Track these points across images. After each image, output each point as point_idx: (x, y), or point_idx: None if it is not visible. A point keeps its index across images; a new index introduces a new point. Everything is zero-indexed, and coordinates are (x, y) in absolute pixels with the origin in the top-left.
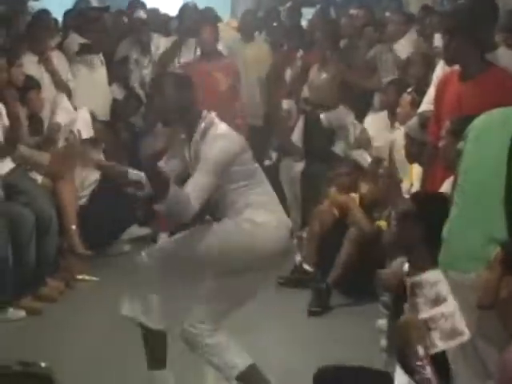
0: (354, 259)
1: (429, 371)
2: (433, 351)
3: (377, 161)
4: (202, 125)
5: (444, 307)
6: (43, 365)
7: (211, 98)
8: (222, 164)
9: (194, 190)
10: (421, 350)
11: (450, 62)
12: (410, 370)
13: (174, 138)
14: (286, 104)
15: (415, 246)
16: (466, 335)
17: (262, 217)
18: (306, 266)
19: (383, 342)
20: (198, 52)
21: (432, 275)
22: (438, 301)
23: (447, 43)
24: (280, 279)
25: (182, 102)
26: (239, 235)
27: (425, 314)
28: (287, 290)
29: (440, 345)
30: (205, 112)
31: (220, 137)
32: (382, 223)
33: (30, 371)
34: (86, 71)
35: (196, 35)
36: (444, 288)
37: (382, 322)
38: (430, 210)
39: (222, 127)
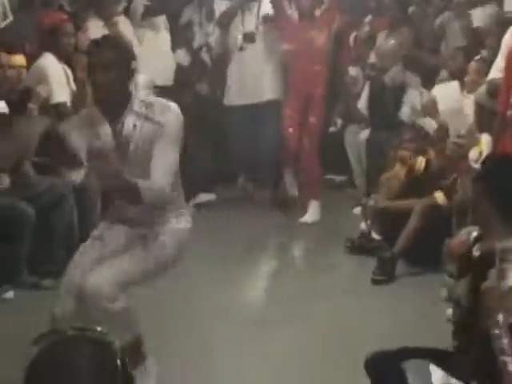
0: (422, 229)
1: (506, 341)
2: None
3: (443, 128)
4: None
5: None
6: (98, 329)
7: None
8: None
9: (165, 172)
10: (501, 318)
11: None
12: (483, 338)
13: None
14: (352, 70)
15: (488, 213)
16: None
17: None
18: (374, 235)
19: (449, 312)
20: (261, 15)
21: None
22: None
23: None
24: (347, 243)
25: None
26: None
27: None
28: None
29: None
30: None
31: (172, 108)
32: (439, 195)
33: (85, 335)
34: (151, 35)
35: None
36: None
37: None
38: (503, 172)
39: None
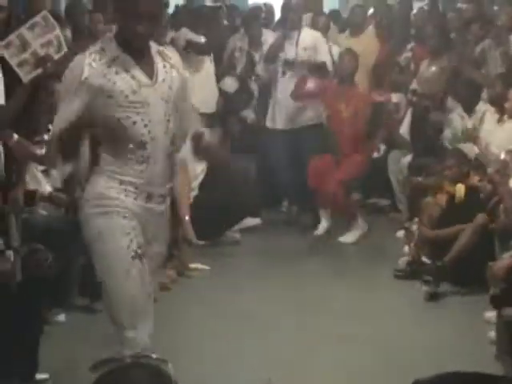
0: (471, 245)
1: None
2: None
3: (485, 154)
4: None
5: None
6: (154, 356)
7: None
8: None
9: None
10: None
11: None
12: None
13: None
14: (395, 97)
15: None
16: None
17: None
18: (424, 258)
19: (492, 334)
20: (300, 43)
21: None
22: None
23: None
24: (397, 272)
25: None
26: None
27: None
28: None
29: None
30: None
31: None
32: (459, 186)
33: (141, 363)
34: (195, 65)
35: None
36: None
37: (491, 315)
38: None
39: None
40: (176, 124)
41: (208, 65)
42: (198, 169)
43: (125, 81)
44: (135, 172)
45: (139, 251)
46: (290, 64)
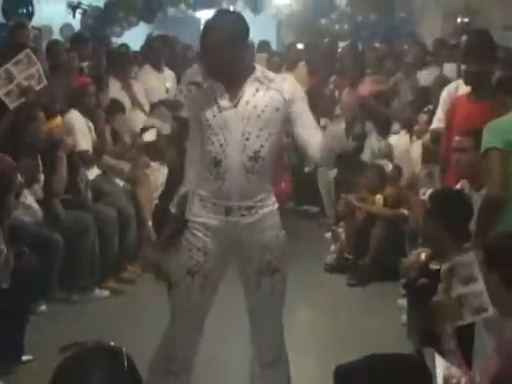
0: (383, 241)
1: (453, 344)
2: (461, 324)
3: (397, 169)
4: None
5: (474, 286)
6: (112, 343)
7: None
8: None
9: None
10: (449, 325)
11: (468, 83)
12: (434, 342)
13: None
14: (322, 121)
15: (439, 237)
16: (490, 311)
17: None
18: (347, 255)
19: (403, 318)
20: None
21: (467, 257)
22: (469, 280)
23: (466, 69)
24: (326, 266)
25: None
26: None
27: (458, 291)
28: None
29: (468, 319)
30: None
31: (288, 77)
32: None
33: (100, 346)
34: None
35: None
36: (476, 268)
37: (403, 301)
38: (448, 204)
39: None
40: (271, 140)
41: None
42: (160, 179)
43: (209, 106)
44: (213, 188)
45: (194, 268)
46: None
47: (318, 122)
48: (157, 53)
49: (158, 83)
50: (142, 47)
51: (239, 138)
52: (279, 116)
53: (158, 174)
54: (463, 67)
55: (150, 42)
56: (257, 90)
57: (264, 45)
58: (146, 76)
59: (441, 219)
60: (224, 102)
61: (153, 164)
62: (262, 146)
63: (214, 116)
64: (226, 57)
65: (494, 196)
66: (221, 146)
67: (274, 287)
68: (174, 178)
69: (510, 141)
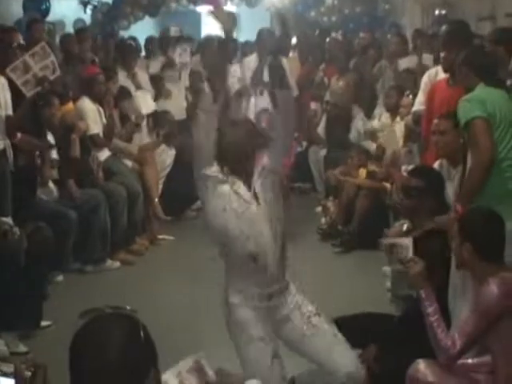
0: (367, 211)
1: (430, 306)
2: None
3: (380, 148)
4: None
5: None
6: (128, 307)
7: None
8: None
9: None
10: (422, 291)
11: (447, 69)
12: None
13: None
14: (313, 105)
15: (418, 210)
16: None
17: None
18: (339, 226)
19: (388, 284)
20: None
21: (405, 241)
22: (405, 261)
23: (445, 56)
24: (319, 230)
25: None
26: None
27: (397, 267)
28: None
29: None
30: None
31: None
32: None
33: (119, 312)
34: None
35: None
36: (410, 253)
37: (387, 269)
38: (423, 178)
39: None
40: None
41: (180, 82)
42: (168, 161)
43: (239, 203)
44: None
45: None
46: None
47: (309, 107)
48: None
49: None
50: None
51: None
52: None
53: (166, 155)
54: (441, 54)
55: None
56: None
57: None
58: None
59: (415, 193)
60: (247, 196)
61: (161, 146)
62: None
63: (243, 213)
64: None
65: (486, 160)
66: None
67: None
68: (181, 160)
69: (489, 112)
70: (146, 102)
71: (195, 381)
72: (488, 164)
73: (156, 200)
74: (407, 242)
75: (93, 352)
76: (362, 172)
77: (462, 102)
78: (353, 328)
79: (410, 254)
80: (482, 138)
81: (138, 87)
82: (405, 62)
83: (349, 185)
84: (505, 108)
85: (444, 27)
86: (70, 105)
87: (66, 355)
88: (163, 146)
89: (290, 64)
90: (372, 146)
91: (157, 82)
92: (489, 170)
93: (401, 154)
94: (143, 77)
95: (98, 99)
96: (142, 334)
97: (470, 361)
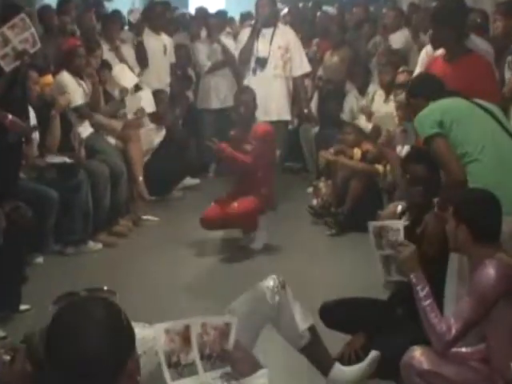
0: (360, 192)
1: (422, 290)
2: (391, 280)
3: (376, 128)
4: None
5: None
6: (105, 288)
7: None
8: None
9: None
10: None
11: (436, 47)
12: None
13: None
14: (306, 81)
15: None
16: None
17: None
18: (332, 208)
19: (380, 266)
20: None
21: (396, 224)
22: (395, 244)
23: (434, 32)
24: (310, 209)
25: None
26: None
27: (386, 251)
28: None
29: (396, 277)
30: None
31: None
32: (380, 167)
33: (95, 296)
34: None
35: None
36: (401, 236)
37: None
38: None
39: None
40: None
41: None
42: (156, 141)
43: None
44: None
45: None
46: (262, 63)
47: (302, 83)
48: (157, 17)
49: (158, 45)
50: (144, 11)
51: None
52: None
53: (156, 135)
54: (430, 31)
55: (151, 7)
56: None
57: (247, 17)
58: (146, 38)
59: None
60: None
61: (151, 125)
62: None
63: None
64: None
65: (458, 181)
66: None
67: None
68: (171, 139)
69: (444, 122)
70: (125, 75)
71: (215, 340)
72: (462, 183)
73: (140, 179)
74: (398, 225)
75: (68, 341)
76: (357, 152)
77: (416, 122)
78: (339, 313)
79: (401, 237)
80: (445, 157)
81: (122, 60)
82: (396, 37)
83: (342, 166)
84: (455, 106)
85: (434, 3)
86: (49, 77)
87: None
88: (152, 125)
89: None
90: (368, 127)
91: (140, 50)
92: (464, 185)
93: (396, 134)
94: (127, 50)
95: (77, 73)
96: (120, 320)
97: (463, 349)
